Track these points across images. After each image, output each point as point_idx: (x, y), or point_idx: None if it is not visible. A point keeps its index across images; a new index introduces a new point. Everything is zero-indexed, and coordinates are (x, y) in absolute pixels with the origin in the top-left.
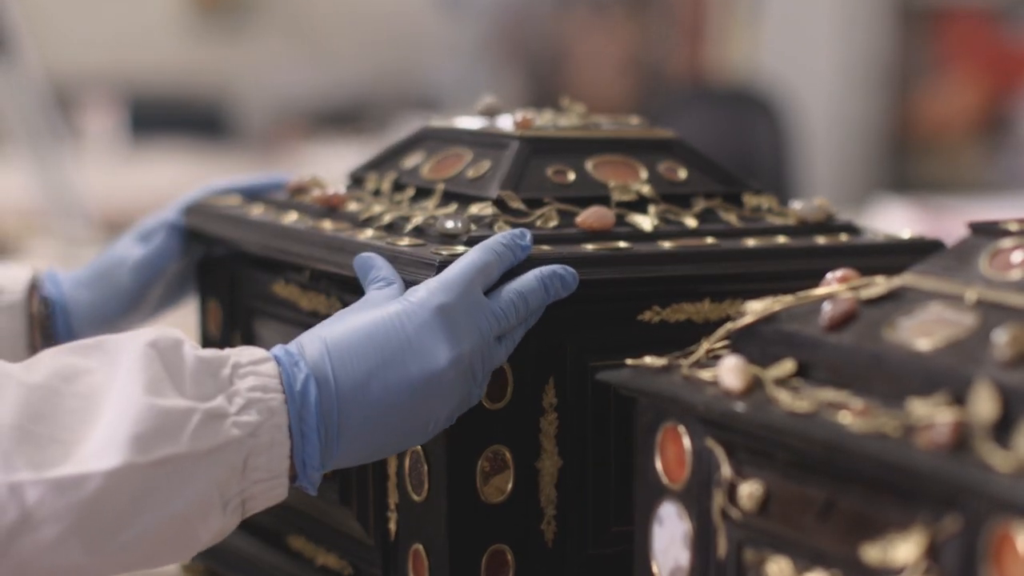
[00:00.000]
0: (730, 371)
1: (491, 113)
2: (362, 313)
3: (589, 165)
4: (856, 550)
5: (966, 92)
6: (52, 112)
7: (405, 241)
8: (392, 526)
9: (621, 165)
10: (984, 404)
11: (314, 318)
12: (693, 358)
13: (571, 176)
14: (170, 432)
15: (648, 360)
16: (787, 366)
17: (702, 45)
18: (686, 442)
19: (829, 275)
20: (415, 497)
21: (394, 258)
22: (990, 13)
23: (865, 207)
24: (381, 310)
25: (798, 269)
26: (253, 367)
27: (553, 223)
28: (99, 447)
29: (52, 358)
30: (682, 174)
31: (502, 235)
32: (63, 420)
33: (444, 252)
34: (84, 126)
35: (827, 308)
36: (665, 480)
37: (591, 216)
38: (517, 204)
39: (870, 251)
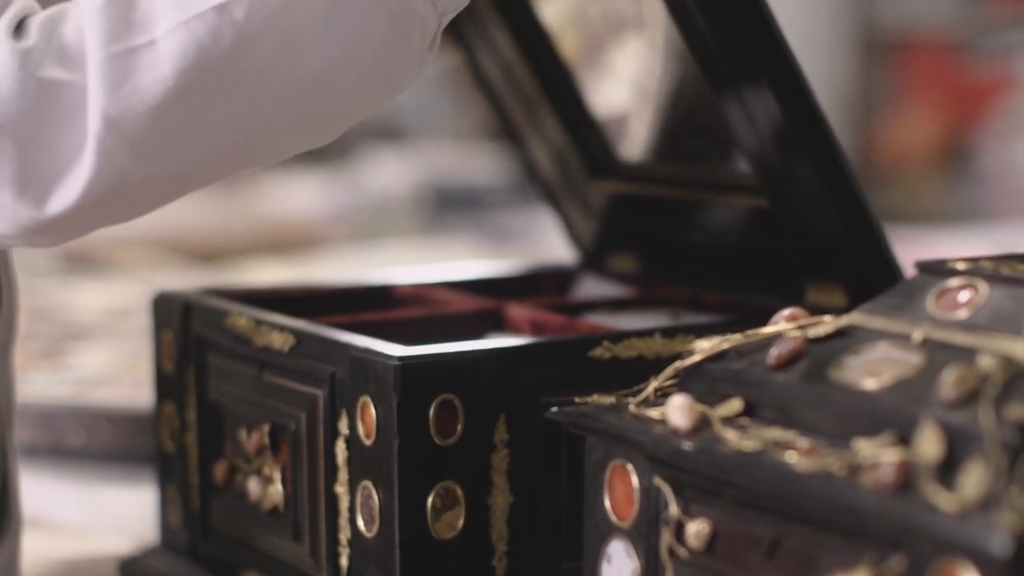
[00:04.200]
0: (677, 410)
1: None
2: None
3: None
4: None
5: (927, 123)
6: None
7: None
8: (344, 561)
9: None
10: (929, 444)
11: (267, 353)
12: (641, 396)
13: None
14: None
15: (596, 398)
16: (734, 405)
17: None
18: (634, 480)
19: (777, 314)
20: (366, 533)
21: None
22: (951, 44)
23: None
24: None
25: None
26: None
27: None
28: None
29: None
30: None
31: None
32: None
33: None
34: None
35: (774, 347)
36: (613, 518)
37: None
38: None
39: None
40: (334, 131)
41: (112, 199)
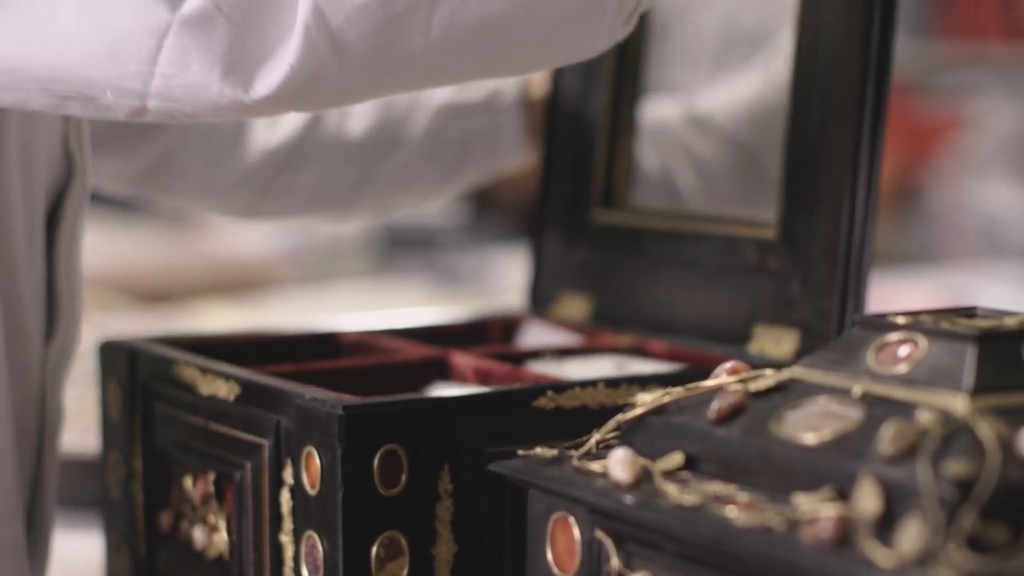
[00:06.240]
0: (619, 463)
1: None
2: None
3: None
4: None
5: None
6: None
7: None
8: None
9: None
10: (867, 500)
11: (212, 402)
12: (583, 449)
13: None
14: None
15: (539, 450)
16: (675, 458)
17: None
18: (576, 533)
19: (719, 367)
20: None
21: None
22: (902, 85)
23: None
24: None
25: None
26: None
27: None
28: None
29: None
30: None
31: None
32: None
33: None
34: None
35: (715, 401)
36: (556, 570)
37: None
38: None
39: None
40: (514, 72)
41: (309, 90)
